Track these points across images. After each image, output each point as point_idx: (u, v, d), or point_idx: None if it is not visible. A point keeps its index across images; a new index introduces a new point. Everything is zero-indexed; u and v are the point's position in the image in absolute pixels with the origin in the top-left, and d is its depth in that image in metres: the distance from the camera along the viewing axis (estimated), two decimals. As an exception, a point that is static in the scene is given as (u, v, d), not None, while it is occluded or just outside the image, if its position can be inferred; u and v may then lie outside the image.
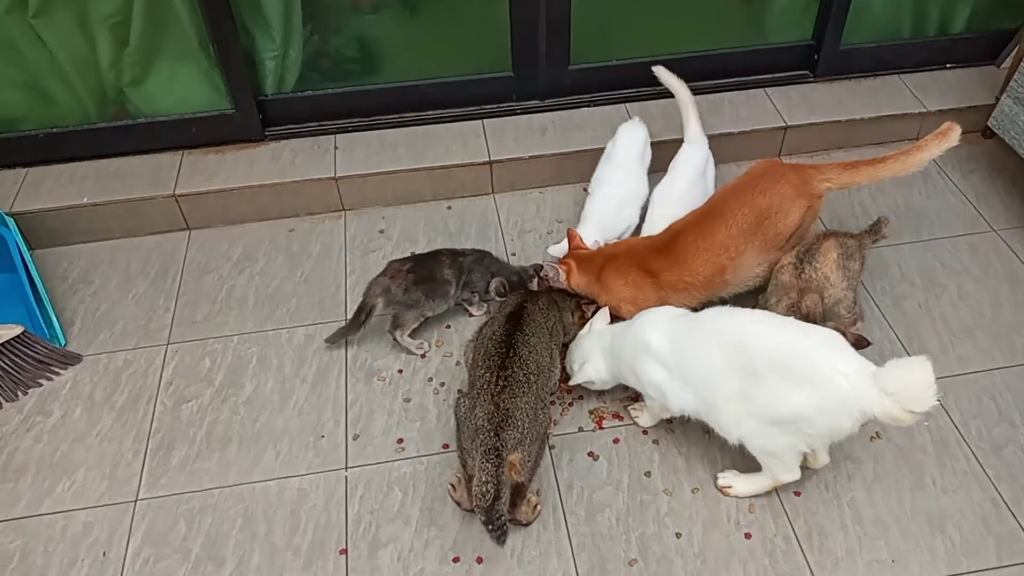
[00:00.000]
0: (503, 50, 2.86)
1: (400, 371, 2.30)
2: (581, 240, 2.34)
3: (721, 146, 2.70)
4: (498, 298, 2.38)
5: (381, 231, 2.75)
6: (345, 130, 2.91)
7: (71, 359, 2.33)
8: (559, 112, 2.96)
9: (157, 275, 2.61)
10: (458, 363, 2.31)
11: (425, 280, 2.23)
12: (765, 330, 1.80)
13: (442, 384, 2.26)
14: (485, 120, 2.94)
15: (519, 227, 2.74)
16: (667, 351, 1.89)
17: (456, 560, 1.87)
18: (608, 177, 2.50)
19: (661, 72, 2.62)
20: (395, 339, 2.30)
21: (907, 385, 1.61)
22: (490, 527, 1.67)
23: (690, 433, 2.10)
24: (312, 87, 2.86)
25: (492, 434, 1.67)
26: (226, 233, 2.75)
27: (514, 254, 2.64)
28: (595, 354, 2.05)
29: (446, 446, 2.11)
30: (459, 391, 1.92)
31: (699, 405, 1.88)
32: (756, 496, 1.96)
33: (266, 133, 2.87)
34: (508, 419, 1.69)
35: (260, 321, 2.46)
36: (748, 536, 1.91)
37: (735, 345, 1.79)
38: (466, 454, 1.74)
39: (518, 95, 2.97)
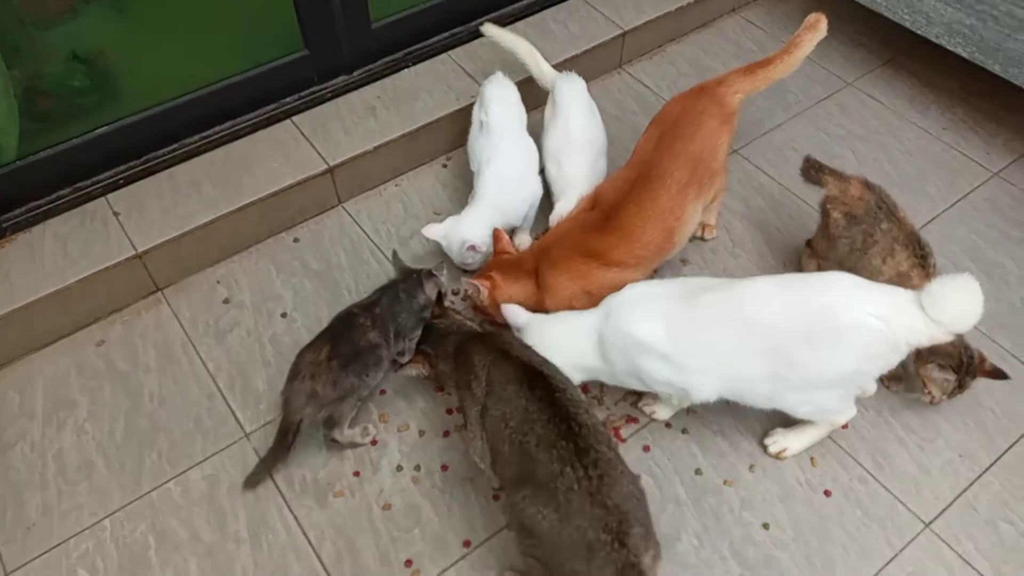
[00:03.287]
0: (288, 25, 2.24)
1: (357, 474, 1.77)
2: (508, 243, 1.93)
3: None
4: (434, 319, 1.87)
5: (226, 300, 2.09)
6: (116, 186, 2.14)
7: None
8: (377, 83, 2.42)
9: (-68, 481, 1.77)
10: (423, 433, 1.83)
11: (352, 358, 1.69)
12: (776, 302, 1.55)
13: (417, 468, 1.78)
14: (294, 117, 2.32)
15: (395, 235, 2.23)
16: (667, 343, 1.58)
17: None
18: (492, 152, 2.06)
19: (490, 30, 2.30)
20: (335, 440, 1.75)
21: (960, 312, 1.47)
22: None
23: (711, 405, 1.85)
24: (45, 144, 2.04)
25: (617, 546, 1.27)
26: (7, 380, 1.93)
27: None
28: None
29: (467, 543, 1.67)
30: (509, 499, 1.42)
31: (726, 392, 1.62)
32: (812, 447, 1.78)
33: (3, 225, 2.02)
34: (625, 517, 1.29)
35: (129, 485, 1.76)
36: (828, 494, 1.73)
37: (750, 326, 1.54)
38: None
39: (320, 75, 2.38)
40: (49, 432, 1.84)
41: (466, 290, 1.87)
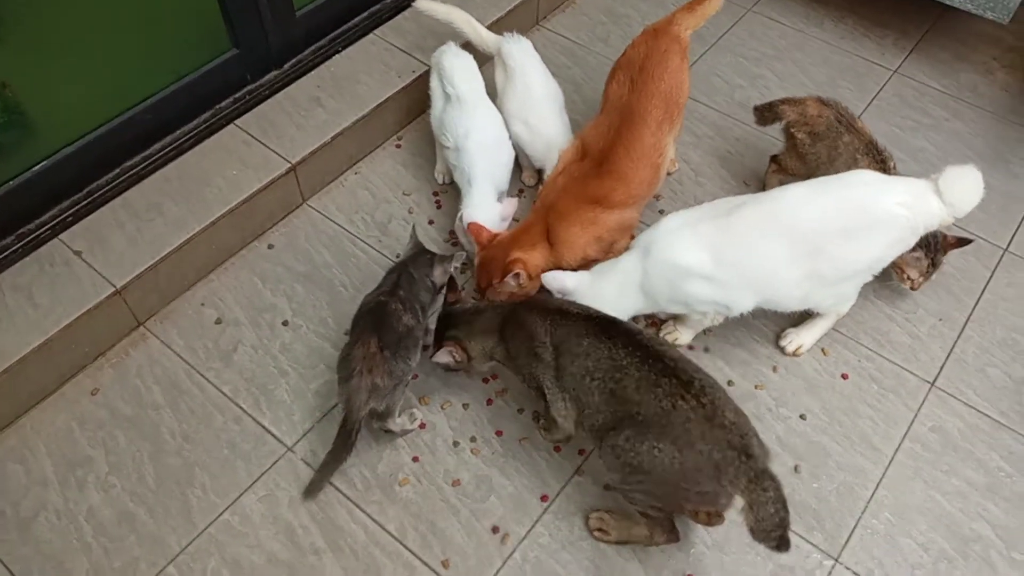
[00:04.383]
0: (214, 25, 2.13)
1: (416, 459, 1.77)
2: (487, 229, 1.92)
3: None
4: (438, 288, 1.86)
5: (218, 320, 1.99)
6: (66, 224, 1.97)
7: None
8: (312, 73, 2.34)
9: (-46, 577, 1.60)
10: (467, 405, 1.84)
11: (396, 345, 1.67)
12: (813, 205, 1.68)
13: (472, 439, 1.80)
14: (237, 120, 2.21)
15: (372, 223, 2.19)
16: (711, 264, 1.68)
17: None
18: (470, 123, 2.04)
19: (423, 4, 2.26)
20: (388, 430, 1.74)
21: (969, 196, 1.66)
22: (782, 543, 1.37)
23: (723, 321, 1.98)
24: (-22, 190, 1.85)
25: (744, 458, 1.34)
26: (1, 451, 1.76)
27: (399, 255, 2.12)
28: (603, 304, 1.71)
29: (545, 497, 1.71)
30: (607, 443, 1.46)
31: (761, 300, 1.75)
32: (820, 339, 1.95)
33: (-48, 286, 1.82)
34: (743, 431, 1.37)
35: (181, 527, 1.67)
36: (845, 377, 1.91)
37: (791, 232, 1.67)
38: (705, 499, 1.39)
39: (253, 73, 2.27)
40: (71, 495, 1.70)
41: (507, 285, 1.83)
